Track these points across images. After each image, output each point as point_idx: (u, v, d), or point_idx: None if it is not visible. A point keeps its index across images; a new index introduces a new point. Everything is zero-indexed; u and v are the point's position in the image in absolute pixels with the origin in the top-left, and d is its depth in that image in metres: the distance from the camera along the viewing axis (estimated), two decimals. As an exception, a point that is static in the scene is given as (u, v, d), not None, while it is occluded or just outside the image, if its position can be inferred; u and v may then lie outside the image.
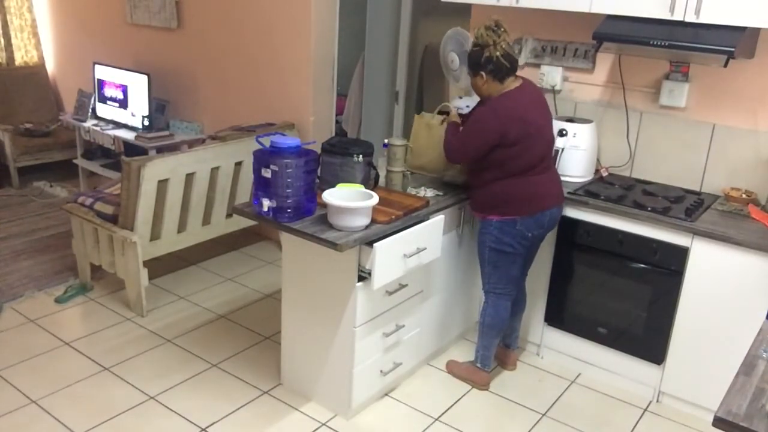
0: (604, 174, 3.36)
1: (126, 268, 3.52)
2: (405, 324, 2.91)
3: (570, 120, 3.35)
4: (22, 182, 5.48)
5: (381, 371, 2.86)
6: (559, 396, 3.09)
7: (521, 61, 3.57)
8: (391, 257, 2.54)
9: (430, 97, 4.95)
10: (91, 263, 3.76)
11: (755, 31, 2.84)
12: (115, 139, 4.83)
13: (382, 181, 2.95)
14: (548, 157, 2.86)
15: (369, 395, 2.89)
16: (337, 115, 4.64)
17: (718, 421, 1.53)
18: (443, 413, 2.92)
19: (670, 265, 2.85)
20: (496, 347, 3.13)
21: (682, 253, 2.81)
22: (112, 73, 5.05)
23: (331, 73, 4.29)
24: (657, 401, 3.07)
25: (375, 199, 2.52)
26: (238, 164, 3.92)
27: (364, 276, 2.58)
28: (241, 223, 4.05)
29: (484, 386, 3.09)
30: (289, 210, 2.55)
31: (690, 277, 2.81)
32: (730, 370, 2.36)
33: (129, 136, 4.77)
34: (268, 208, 2.56)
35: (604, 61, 3.38)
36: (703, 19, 2.68)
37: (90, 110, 5.18)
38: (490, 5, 3.22)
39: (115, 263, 3.59)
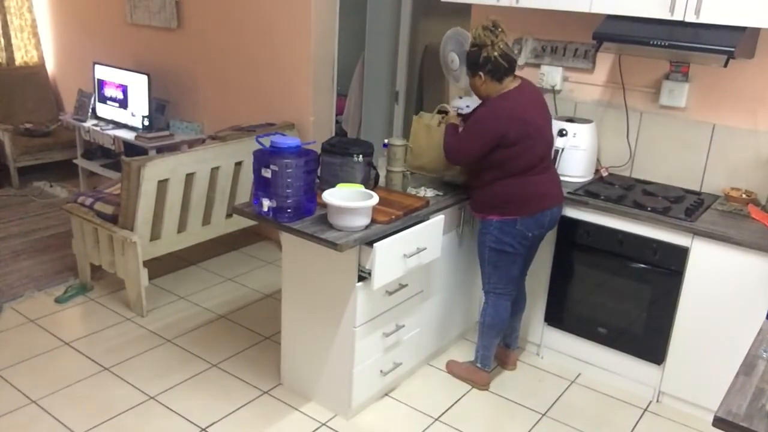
0: (604, 174, 3.36)
1: (126, 268, 3.52)
2: (405, 324, 2.91)
3: (570, 120, 3.35)
4: (22, 182, 5.48)
5: (381, 371, 2.86)
6: (559, 396, 3.09)
7: (521, 61, 3.57)
8: (391, 257, 2.54)
9: (430, 97, 4.95)
10: (91, 263, 3.76)
11: (755, 31, 2.84)
12: (115, 139, 4.83)
13: (382, 181, 2.95)
14: (548, 157, 2.86)
15: (369, 395, 2.89)
16: (337, 115, 4.64)
17: (718, 421, 1.53)
18: (443, 413, 2.92)
19: (670, 265, 2.85)
20: (496, 347, 3.13)
21: (682, 253, 2.81)
22: (112, 73, 5.05)
23: (331, 73, 4.29)
24: (657, 401, 3.07)
25: (375, 199, 2.52)
26: (238, 164, 3.92)
27: (364, 276, 2.58)
28: (241, 223, 4.05)
29: (484, 386, 3.09)
30: (289, 210, 2.55)
31: (690, 277, 2.81)
32: (730, 370, 2.36)
33: (129, 136, 4.77)
34: (268, 208, 2.56)
35: (604, 61, 3.38)
36: (703, 19, 2.68)
37: (90, 110, 5.18)
38: (490, 5, 3.23)
39: (115, 263, 3.59)
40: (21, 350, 3.20)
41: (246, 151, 3.83)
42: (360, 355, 2.71)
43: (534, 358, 3.37)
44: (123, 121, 4.98)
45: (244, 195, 4.01)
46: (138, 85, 4.84)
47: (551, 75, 3.49)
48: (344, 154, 2.79)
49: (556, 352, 3.32)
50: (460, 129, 2.85)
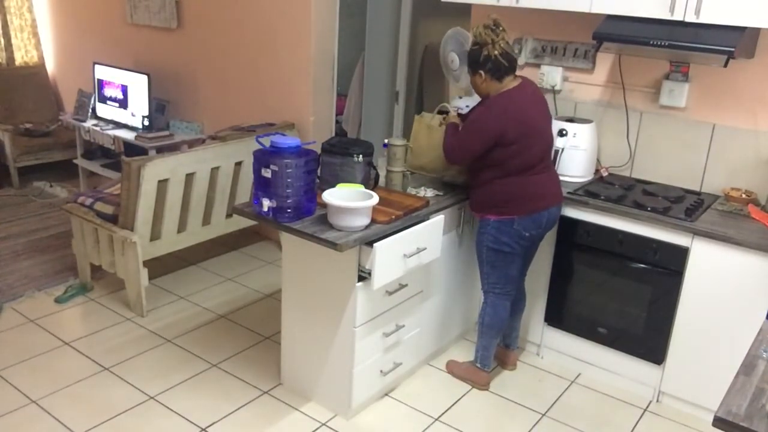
0: (604, 174, 3.36)
1: (126, 268, 3.52)
2: (405, 324, 2.91)
3: (570, 120, 3.35)
4: (22, 182, 5.48)
5: (381, 371, 2.86)
6: (559, 396, 3.09)
7: (521, 61, 3.57)
8: (391, 257, 2.54)
9: (430, 97, 4.95)
10: (91, 263, 3.76)
11: (755, 31, 2.85)
12: (115, 139, 4.83)
13: (382, 181, 2.95)
14: (547, 157, 2.86)
15: (369, 395, 2.89)
16: (337, 115, 4.64)
17: (718, 421, 1.53)
18: (443, 413, 2.92)
19: (670, 265, 2.85)
20: (496, 347, 3.13)
21: (682, 253, 2.81)
22: (112, 73, 5.05)
23: (331, 73, 4.29)
24: (657, 401, 3.07)
25: (375, 199, 2.52)
26: (238, 164, 3.92)
27: (364, 276, 2.58)
28: (241, 223, 4.05)
29: (484, 386, 3.09)
30: (289, 210, 2.55)
31: (690, 277, 2.81)
32: (730, 370, 2.37)
33: (129, 136, 4.77)
34: (268, 208, 2.56)
35: (604, 61, 3.37)
36: (703, 19, 2.68)
37: (90, 110, 5.18)
38: (490, 5, 3.23)
39: (115, 263, 3.59)
40: (21, 350, 3.20)
41: (246, 151, 3.83)
42: (360, 355, 2.71)
43: (534, 358, 3.37)
44: (123, 121, 4.98)
45: (244, 195, 4.01)
46: (138, 85, 4.84)
47: (551, 75, 3.49)
48: (344, 154, 2.79)
49: (556, 352, 3.32)
50: (460, 128, 2.85)
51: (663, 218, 2.82)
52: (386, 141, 2.96)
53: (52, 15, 5.98)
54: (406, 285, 2.82)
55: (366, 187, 2.71)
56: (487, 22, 2.69)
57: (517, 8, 3.21)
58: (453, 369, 3.20)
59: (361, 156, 2.79)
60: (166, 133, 4.79)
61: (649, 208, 2.89)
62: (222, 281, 4.03)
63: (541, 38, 3.53)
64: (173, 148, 4.55)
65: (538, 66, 3.55)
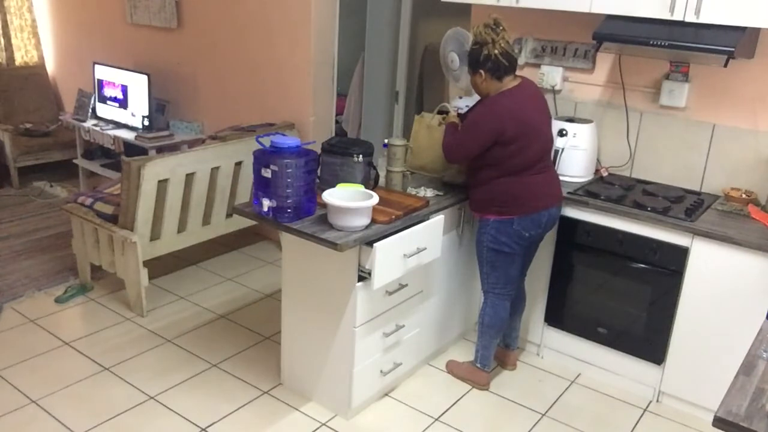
0: (604, 174, 3.36)
1: (126, 268, 3.52)
2: (405, 324, 2.91)
3: (570, 120, 3.35)
4: (22, 182, 5.48)
5: (381, 371, 2.86)
6: (559, 396, 3.09)
7: (521, 61, 3.57)
8: (391, 257, 2.54)
9: (430, 97, 4.95)
10: (91, 263, 3.76)
11: (755, 31, 2.85)
12: (115, 139, 4.83)
13: (382, 181, 2.95)
14: (547, 157, 2.86)
15: (369, 395, 2.89)
16: (337, 115, 4.64)
17: (718, 421, 1.53)
18: (443, 413, 2.92)
19: (670, 265, 2.85)
20: (496, 347, 3.13)
21: (682, 253, 2.81)
22: (112, 73, 5.05)
23: (331, 73, 4.29)
24: (657, 401, 3.07)
25: (375, 199, 2.52)
26: (238, 164, 3.92)
27: (364, 276, 2.58)
28: (241, 223, 4.05)
29: (484, 386, 3.09)
30: (289, 210, 2.55)
31: (690, 277, 2.81)
32: (730, 370, 2.37)
33: (129, 136, 4.77)
34: (268, 208, 2.56)
35: (604, 61, 3.38)
36: (703, 19, 2.68)
37: (90, 110, 5.18)
38: (490, 5, 3.23)
39: (115, 263, 3.59)
40: (21, 350, 3.20)
41: (246, 151, 3.83)
42: (360, 355, 2.71)
43: (534, 358, 3.37)
44: (123, 121, 4.98)
45: (244, 195, 4.01)
46: (138, 85, 4.84)
47: (551, 75, 3.49)
48: (344, 154, 2.79)
49: (556, 352, 3.32)
50: (460, 127, 2.85)
51: (663, 218, 2.82)
52: (386, 141, 2.96)
53: (52, 15, 5.98)
54: (406, 285, 2.81)
55: (366, 187, 2.71)
56: (487, 22, 2.69)
57: (517, 8, 3.21)
58: (453, 369, 3.20)
59: (361, 156, 2.79)
60: (166, 133, 4.79)
61: (649, 208, 2.89)
62: (222, 281, 4.03)
63: (541, 38, 3.53)
64: (173, 148, 4.55)
65: (538, 66, 3.55)
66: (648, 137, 3.31)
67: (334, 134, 4.51)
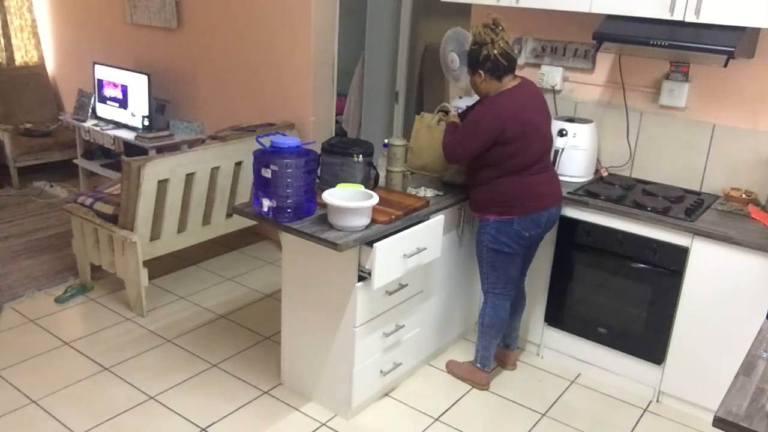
0: (604, 174, 3.36)
1: (126, 268, 3.52)
2: (405, 324, 2.91)
3: (570, 120, 3.35)
4: (22, 182, 5.48)
5: (381, 371, 2.86)
6: (559, 396, 3.09)
7: (521, 61, 3.57)
8: (391, 257, 2.54)
9: (430, 97, 4.95)
10: (91, 263, 3.76)
11: (755, 31, 2.85)
12: (115, 139, 4.83)
13: (382, 181, 2.95)
14: (546, 156, 2.86)
15: (369, 395, 2.89)
16: (337, 115, 4.64)
17: (718, 421, 1.53)
18: (443, 413, 2.92)
19: (670, 265, 2.85)
20: (496, 347, 3.13)
21: (682, 253, 2.81)
22: (112, 73, 5.05)
23: (331, 73, 4.29)
24: (657, 401, 3.07)
25: (375, 199, 2.52)
26: (238, 164, 3.92)
27: (364, 276, 2.58)
28: (241, 223, 4.05)
29: (484, 386, 3.09)
30: (289, 210, 2.55)
31: (690, 277, 2.81)
32: (730, 370, 2.37)
33: (129, 136, 4.77)
34: (268, 208, 2.56)
35: (604, 61, 3.38)
36: (703, 19, 2.68)
37: (90, 110, 5.18)
38: (490, 5, 3.22)
39: (115, 263, 3.59)
40: (21, 350, 3.20)
41: (246, 151, 3.83)
42: (360, 355, 2.71)
43: (534, 358, 3.37)
44: (123, 121, 4.98)
45: (244, 195, 4.01)
46: (138, 85, 4.84)
47: (551, 75, 3.49)
48: (344, 154, 2.79)
49: (556, 352, 3.32)
50: (459, 127, 2.85)
51: (663, 218, 2.82)
52: (386, 141, 2.96)
53: (52, 15, 5.98)
54: (406, 285, 2.82)
55: (366, 187, 2.71)
56: (486, 22, 2.69)
57: (517, 8, 3.21)
58: (453, 369, 3.20)
59: (361, 156, 2.79)
60: (166, 133, 4.79)
61: (649, 208, 2.89)
62: (222, 281, 4.03)
63: (541, 38, 3.53)
64: (173, 148, 4.55)
65: (538, 66, 3.55)
66: (648, 137, 3.31)
67: (334, 134, 4.51)
